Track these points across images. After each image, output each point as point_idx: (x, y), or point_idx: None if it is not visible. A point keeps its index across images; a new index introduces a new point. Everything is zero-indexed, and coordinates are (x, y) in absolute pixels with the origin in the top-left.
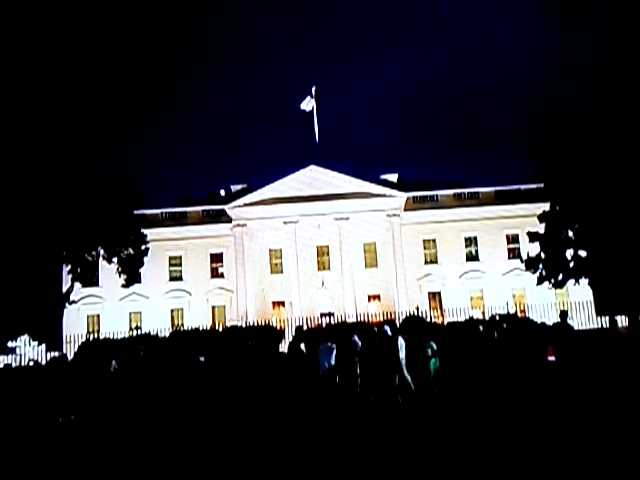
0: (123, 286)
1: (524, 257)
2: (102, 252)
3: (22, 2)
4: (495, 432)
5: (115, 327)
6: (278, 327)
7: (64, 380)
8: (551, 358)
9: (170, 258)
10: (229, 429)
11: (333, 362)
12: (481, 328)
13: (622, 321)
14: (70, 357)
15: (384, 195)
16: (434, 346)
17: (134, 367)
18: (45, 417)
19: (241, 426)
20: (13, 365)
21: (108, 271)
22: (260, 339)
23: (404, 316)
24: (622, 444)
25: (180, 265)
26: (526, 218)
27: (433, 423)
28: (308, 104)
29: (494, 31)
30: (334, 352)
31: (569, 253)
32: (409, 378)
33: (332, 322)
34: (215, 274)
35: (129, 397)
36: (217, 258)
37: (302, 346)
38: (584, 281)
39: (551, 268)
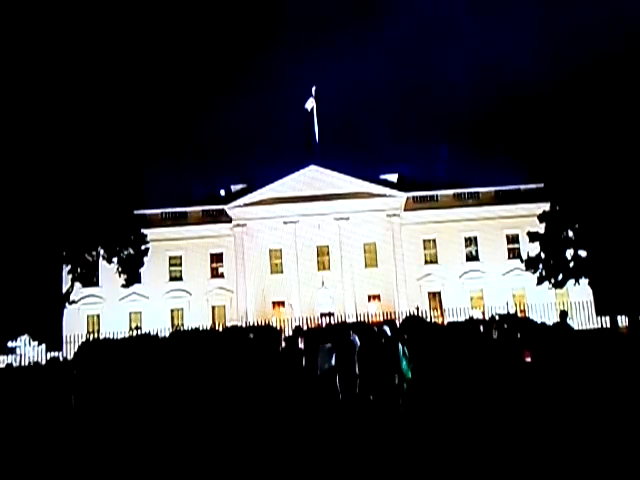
0: (123, 286)
1: (524, 257)
2: (102, 252)
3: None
4: (487, 434)
5: (115, 327)
6: (278, 327)
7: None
8: (528, 359)
9: (170, 258)
10: (229, 430)
11: (332, 362)
12: (482, 328)
13: (622, 321)
14: (70, 357)
15: (384, 195)
16: (400, 348)
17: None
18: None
19: (240, 427)
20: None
21: (108, 271)
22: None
23: (404, 316)
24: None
25: (180, 265)
26: (526, 218)
27: (433, 423)
28: (308, 104)
29: (494, 32)
30: (333, 352)
31: (569, 253)
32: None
33: (332, 322)
34: (215, 274)
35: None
36: (217, 258)
37: (301, 346)
38: (584, 281)
39: (551, 268)
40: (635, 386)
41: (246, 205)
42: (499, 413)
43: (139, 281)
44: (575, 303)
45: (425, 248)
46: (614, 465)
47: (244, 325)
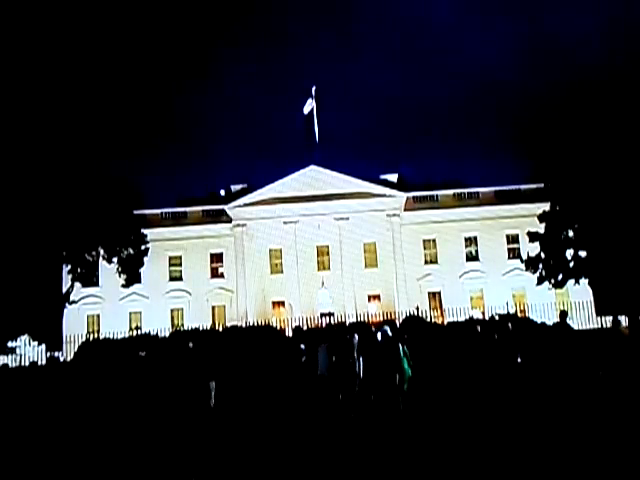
0: (123, 286)
1: (524, 257)
2: (102, 252)
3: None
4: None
5: (115, 327)
6: (278, 327)
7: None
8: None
9: (170, 258)
10: (230, 431)
11: (333, 362)
12: (479, 328)
13: (622, 321)
14: (70, 357)
15: (384, 195)
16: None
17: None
18: None
19: (241, 427)
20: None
21: (108, 271)
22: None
23: (404, 316)
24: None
25: (180, 265)
26: (526, 218)
27: (433, 422)
28: (308, 105)
29: (493, 31)
30: (333, 352)
31: (569, 253)
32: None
33: (332, 322)
34: (215, 274)
35: None
36: (217, 258)
37: (301, 346)
38: (584, 281)
39: (551, 268)
40: (634, 386)
41: (246, 205)
42: (498, 412)
43: (139, 281)
44: (575, 303)
45: (425, 248)
46: (610, 461)
47: (244, 325)
